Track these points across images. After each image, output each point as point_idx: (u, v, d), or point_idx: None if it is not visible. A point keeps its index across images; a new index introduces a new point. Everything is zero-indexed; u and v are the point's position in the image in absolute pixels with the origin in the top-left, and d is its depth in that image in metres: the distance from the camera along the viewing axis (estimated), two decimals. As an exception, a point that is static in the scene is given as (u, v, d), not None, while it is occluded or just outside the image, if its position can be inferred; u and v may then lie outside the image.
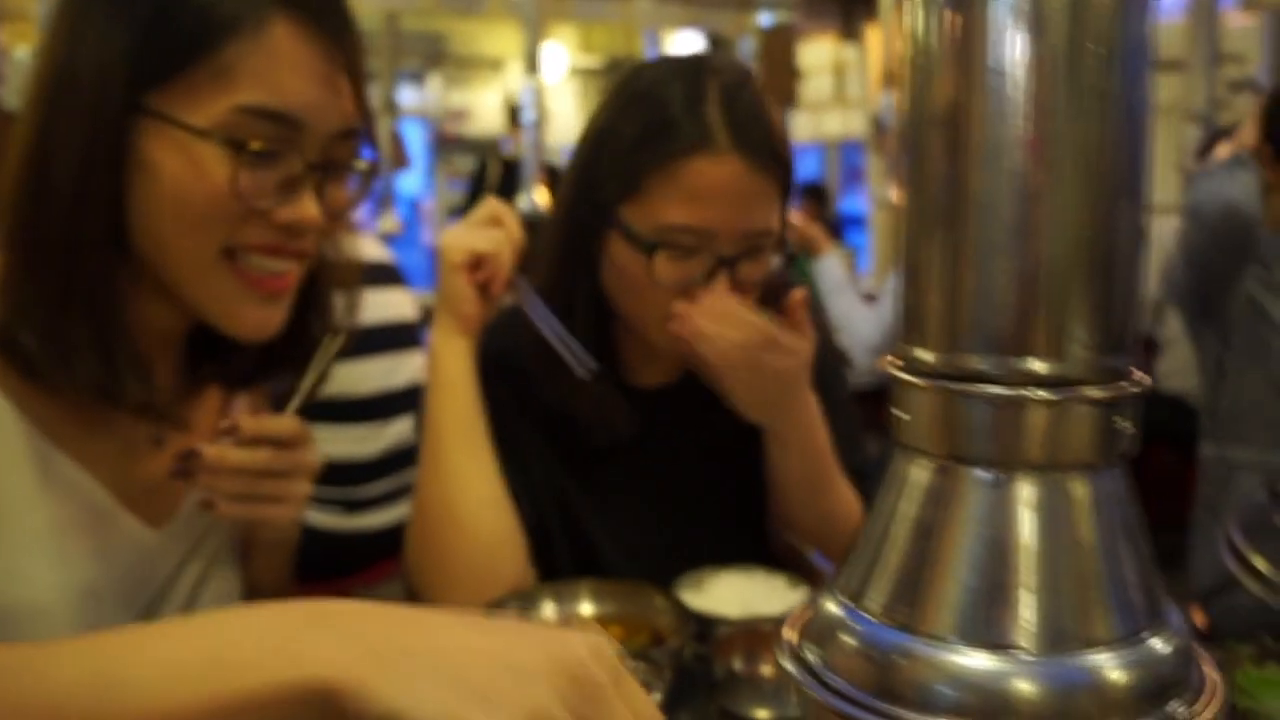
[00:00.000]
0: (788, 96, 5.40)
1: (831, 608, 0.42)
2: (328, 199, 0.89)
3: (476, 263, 1.13)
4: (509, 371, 1.22)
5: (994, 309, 0.39)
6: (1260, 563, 1.13)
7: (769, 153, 1.10)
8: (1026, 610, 0.38)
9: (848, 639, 0.41)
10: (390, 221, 5.20)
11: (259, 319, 0.89)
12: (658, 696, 0.89)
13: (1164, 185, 5.21)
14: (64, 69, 0.81)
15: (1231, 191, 2.11)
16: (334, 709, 0.52)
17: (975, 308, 0.40)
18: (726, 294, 1.10)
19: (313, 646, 0.52)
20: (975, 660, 0.38)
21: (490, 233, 1.14)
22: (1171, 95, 4.51)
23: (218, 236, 0.84)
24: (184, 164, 0.82)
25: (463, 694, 0.49)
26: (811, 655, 0.42)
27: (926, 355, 0.41)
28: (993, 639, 0.38)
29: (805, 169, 6.67)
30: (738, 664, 1.01)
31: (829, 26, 6.93)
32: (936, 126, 0.40)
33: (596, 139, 1.16)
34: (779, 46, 5.39)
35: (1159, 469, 4.00)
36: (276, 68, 0.82)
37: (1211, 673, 0.41)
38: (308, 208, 0.86)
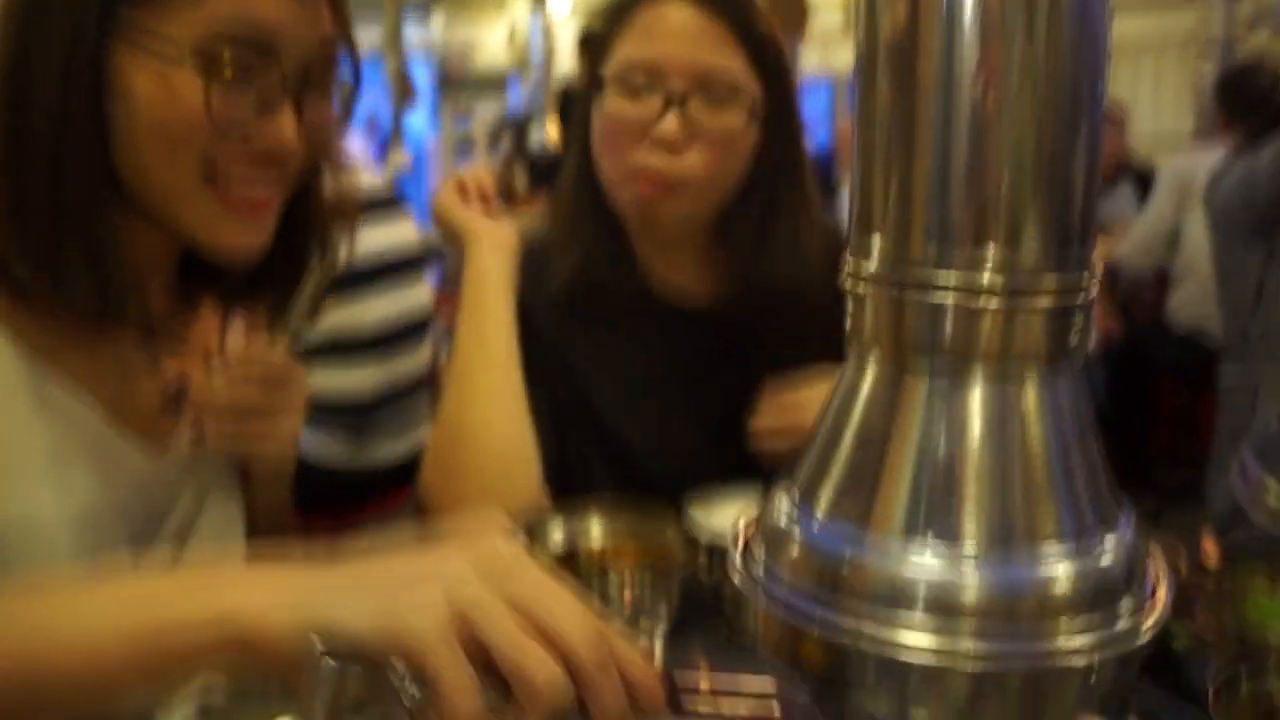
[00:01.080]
0: (798, 28, 5.33)
1: (782, 508, 0.43)
2: (307, 119, 0.88)
3: (463, 193, 1.25)
4: (545, 296, 1.24)
5: (947, 216, 0.39)
6: (1272, 495, 1.12)
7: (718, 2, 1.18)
8: (974, 508, 0.38)
9: (797, 538, 0.41)
10: (400, 156, 5.17)
11: (241, 240, 0.89)
12: (665, 620, 0.88)
13: (1177, 120, 5.12)
14: None
15: None
16: (248, 646, 0.57)
17: (928, 214, 0.39)
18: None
19: (231, 587, 0.59)
20: (922, 558, 0.38)
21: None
22: (1186, 29, 4.41)
23: (194, 159, 0.84)
24: (158, 87, 0.81)
25: (385, 597, 0.55)
26: (762, 553, 0.43)
27: (879, 262, 0.41)
28: (940, 537, 0.38)
29: (815, 103, 6.58)
30: None
31: (841, -42, 6.79)
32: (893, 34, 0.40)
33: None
34: (788, -22, 5.28)
35: (1172, 402, 3.96)
36: None
37: (1161, 578, 0.41)
38: (284, 128, 0.86)
